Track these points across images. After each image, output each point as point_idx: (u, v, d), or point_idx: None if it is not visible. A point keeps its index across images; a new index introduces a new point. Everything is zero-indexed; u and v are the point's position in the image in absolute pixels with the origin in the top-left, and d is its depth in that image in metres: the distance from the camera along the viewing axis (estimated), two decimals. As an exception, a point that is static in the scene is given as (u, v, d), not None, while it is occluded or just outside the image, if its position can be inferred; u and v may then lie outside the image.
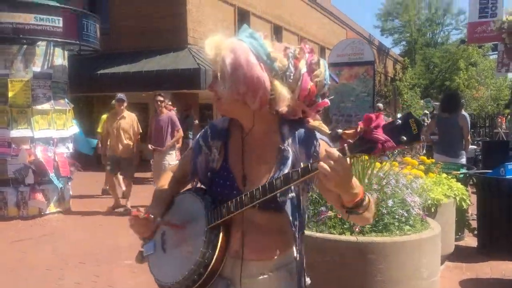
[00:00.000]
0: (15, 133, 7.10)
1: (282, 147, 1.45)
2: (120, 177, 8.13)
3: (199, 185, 1.64)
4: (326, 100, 1.50)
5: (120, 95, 7.61)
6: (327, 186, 1.28)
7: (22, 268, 4.64)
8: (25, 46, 7.23)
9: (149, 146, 7.64)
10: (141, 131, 7.79)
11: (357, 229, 3.08)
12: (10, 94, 7.15)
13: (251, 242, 1.46)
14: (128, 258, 4.47)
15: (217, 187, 1.53)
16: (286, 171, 1.39)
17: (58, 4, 7.43)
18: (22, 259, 4.98)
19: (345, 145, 1.23)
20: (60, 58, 7.76)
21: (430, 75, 40.12)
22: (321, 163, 1.21)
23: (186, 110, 11.88)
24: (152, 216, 1.53)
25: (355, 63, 7.06)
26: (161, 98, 7.66)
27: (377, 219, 3.12)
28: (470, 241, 5.34)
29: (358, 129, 1.22)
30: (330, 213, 3.21)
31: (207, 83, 14.61)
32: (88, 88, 13.07)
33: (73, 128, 7.95)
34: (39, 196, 7.08)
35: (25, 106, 7.24)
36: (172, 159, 7.39)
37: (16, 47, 7.18)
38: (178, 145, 7.73)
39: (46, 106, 7.42)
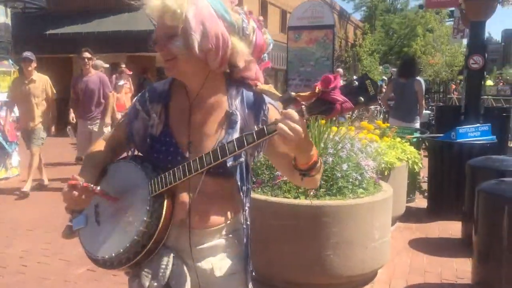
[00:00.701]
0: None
1: (230, 111, 1.39)
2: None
3: (136, 153, 1.53)
4: (268, 60, 1.50)
5: (27, 53, 6.11)
6: (284, 149, 1.29)
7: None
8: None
9: (71, 116, 6.61)
10: (55, 94, 6.46)
11: (311, 193, 3.08)
12: None
13: (197, 210, 1.40)
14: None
15: (158, 154, 1.43)
16: (235, 135, 1.34)
17: (-2, -44, 6.85)
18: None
19: (303, 106, 1.19)
20: (2, 16, 7.23)
21: (389, 41, 40.55)
22: (280, 124, 1.16)
23: (143, 74, 11.49)
24: (93, 186, 1.37)
25: (315, 27, 6.96)
26: (88, 55, 6.39)
27: (331, 182, 3.14)
28: (421, 202, 5.53)
29: (316, 90, 1.19)
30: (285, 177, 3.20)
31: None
32: (36, 49, 12.30)
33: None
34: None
35: (-35, 67, 6.76)
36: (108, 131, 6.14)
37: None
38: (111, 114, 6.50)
39: (-2, 67, 6.95)
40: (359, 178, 3.19)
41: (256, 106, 1.41)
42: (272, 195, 3.16)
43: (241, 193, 1.41)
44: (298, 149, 1.25)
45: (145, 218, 1.32)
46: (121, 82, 8.89)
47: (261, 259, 2.79)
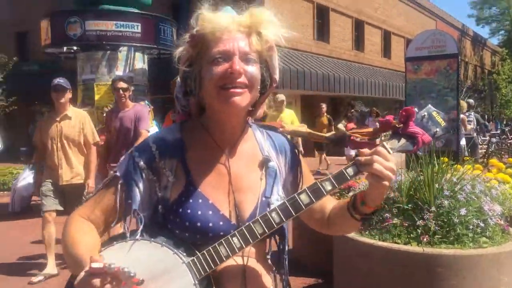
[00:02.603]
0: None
1: (266, 157, 1.19)
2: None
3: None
4: None
5: (60, 80, 4.45)
6: (378, 190, 1.08)
7: None
8: (108, 52, 7.72)
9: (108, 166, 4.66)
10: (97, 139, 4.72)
11: (425, 239, 2.80)
12: (96, 97, 7.69)
13: (253, 284, 1.15)
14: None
15: (185, 222, 1.09)
16: (276, 187, 1.19)
17: (136, 11, 7.83)
18: None
19: (384, 143, 1.10)
20: (140, 62, 8.18)
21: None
22: (377, 164, 1.04)
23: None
24: (130, 271, 0.93)
25: (436, 56, 6.54)
26: (124, 85, 4.83)
27: (447, 229, 2.82)
28: None
29: (397, 124, 1.12)
30: (396, 221, 2.97)
31: (285, 82, 14.58)
32: (167, 90, 13.61)
33: (153, 129, 8.32)
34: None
35: (109, 108, 7.71)
36: None
37: (100, 53, 7.69)
38: None
39: (127, 108, 7.84)
40: (482, 225, 2.81)
41: (287, 151, 1.26)
42: (380, 239, 2.95)
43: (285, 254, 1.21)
44: (387, 189, 1.09)
45: None
46: None
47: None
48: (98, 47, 7.69)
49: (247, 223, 1.07)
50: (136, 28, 7.67)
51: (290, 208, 1.07)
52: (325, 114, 11.54)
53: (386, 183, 1.04)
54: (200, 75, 1.11)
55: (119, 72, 7.85)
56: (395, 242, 2.88)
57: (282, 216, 1.06)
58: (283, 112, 7.62)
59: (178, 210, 1.09)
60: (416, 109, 1.12)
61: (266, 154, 1.20)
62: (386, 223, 2.99)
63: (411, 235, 2.89)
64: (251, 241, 1.05)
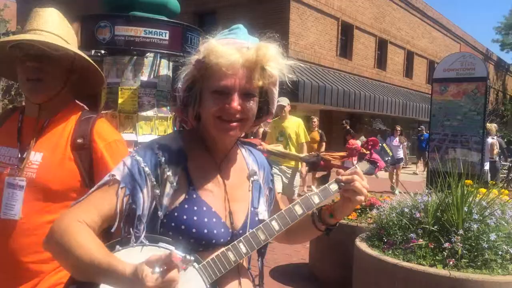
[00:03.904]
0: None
1: (253, 171, 1.30)
2: None
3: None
4: None
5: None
6: (352, 204, 1.25)
7: None
8: (135, 57, 7.80)
9: None
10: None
11: (451, 262, 2.74)
12: (120, 100, 7.74)
13: None
14: None
15: (190, 228, 1.11)
16: (262, 199, 1.29)
17: (165, 19, 7.93)
18: None
19: (357, 166, 1.30)
20: (165, 69, 8.24)
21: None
22: (357, 183, 1.21)
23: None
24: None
25: (464, 79, 6.47)
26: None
27: (475, 253, 2.75)
28: None
29: (364, 151, 1.36)
30: (421, 241, 2.91)
31: (305, 96, 14.58)
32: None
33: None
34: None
35: (132, 112, 7.77)
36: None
37: (127, 58, 7.77)
38: None
39: (150, 113, 7.89)
40: (511, 251, 2.74)
41: (265, 167, 1.37)
42: (404, 260, 2.89)
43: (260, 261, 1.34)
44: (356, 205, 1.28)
45: None
46: None
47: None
48: (125, 52, 7.76)
49: (250, 231, 1.16)
50: (164, 35, 7.75)
51: (287, 217, 1.20)
52: (317, 129, 10.82)
53: (362, 198, 1.22)
54: (200, 95, 1.17)
55: (143, 77, 7.91)
56: (420, 264, 2.82)
57: (281, 224, 1.19)
58: (286, 120, 6.19)
59: (182, 217, 1.11)
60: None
61: (251, 169, 1.30)
62: (411, 244, 2.94)
63: (437, 257, 2.83)
64: (255, 247, 1.14)
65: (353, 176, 1.22)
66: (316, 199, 1.25)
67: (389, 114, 20.15)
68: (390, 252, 2.99)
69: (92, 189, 1.12)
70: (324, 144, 10.67)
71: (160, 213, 1.12)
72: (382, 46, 22.50)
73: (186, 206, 1.12)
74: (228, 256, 1.10)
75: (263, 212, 1.27)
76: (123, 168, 1.12)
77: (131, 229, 1.09)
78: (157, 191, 1.12)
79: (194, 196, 1.14)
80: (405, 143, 12.15)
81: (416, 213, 3.06)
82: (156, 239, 1.09)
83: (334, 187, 1.25)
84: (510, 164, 13.31)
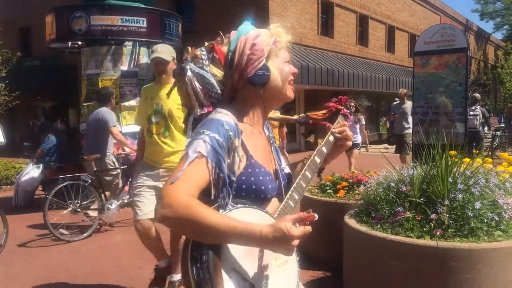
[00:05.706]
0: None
1: (272, 136, 1.60)
2: None
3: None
4: None
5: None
6: (342, 148, 1.62)
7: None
8: (113, 47, 7.68)
9: None
10: None
11: (438, 233, 2.78)
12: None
13: None
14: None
15: (257, 187, 1.36)
16: (280, 156, 1.58)
17: (142, 6, 7.77)
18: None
19: (339, 119, 1.66)
20: (145, 57, 8.13)
21: (537, 60, 36.17)
22: (348, 131, 1.60)
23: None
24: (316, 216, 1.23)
25: (445, 51, 6.49)
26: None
27: (461, 222, 2.79)
28: None
29: (338, 107, 1.68)
30: (408, 214, 2.94)
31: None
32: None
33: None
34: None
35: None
36: None
37: (105, 48, 7.65)
38: None
39: (132, 102, 7.83)
40: (496, 218, 2.78)
41: (268, 128, 1.63)
42: (392, 233, 2.92)
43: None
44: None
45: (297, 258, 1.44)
46: None
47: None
48: (103, 42, 7.64)
49: (295, 181, 1.41)
50: (141, 23, 7.62)
51: (313, 166, 1.50)
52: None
53: (350, 143, 1.61)
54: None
55: (123, 66, 7.82)
56: (408, 236, 2.86)
57: (310, 172, 1.47)
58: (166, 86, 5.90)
59: (250, 178, 1.35)
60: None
61: (267, 134, 1.56)
62: (399, 217, 2.97)
63: (424, 228, 2.86)
64: (302, 193, 1.41)
65: (343, 128, 1.60)
66: (324, 149, 1.55)
67: (374, 90, 20.22)
68: (378, 226, 3.02)
69: (184, 165, 1.24)
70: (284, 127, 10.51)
71: (233, 178, 1.32)
72: (363, 22, 22.44)
73: (249, 170, 1.36)
74: (289, 204, 1.36)
75: (286, 167, 1.57)
76: (205, 145, 1.27)
77: (220, 195, 1.28)
78: (229, 160, 1.32)
79: (253, 161, 1.38)
80: (363, 122, 9.27)
81: (402, 186, 3.08)
82: (238, 202, 1.30)
83: (331, 138, 1.59)
84: (494, 133, 13.49)
